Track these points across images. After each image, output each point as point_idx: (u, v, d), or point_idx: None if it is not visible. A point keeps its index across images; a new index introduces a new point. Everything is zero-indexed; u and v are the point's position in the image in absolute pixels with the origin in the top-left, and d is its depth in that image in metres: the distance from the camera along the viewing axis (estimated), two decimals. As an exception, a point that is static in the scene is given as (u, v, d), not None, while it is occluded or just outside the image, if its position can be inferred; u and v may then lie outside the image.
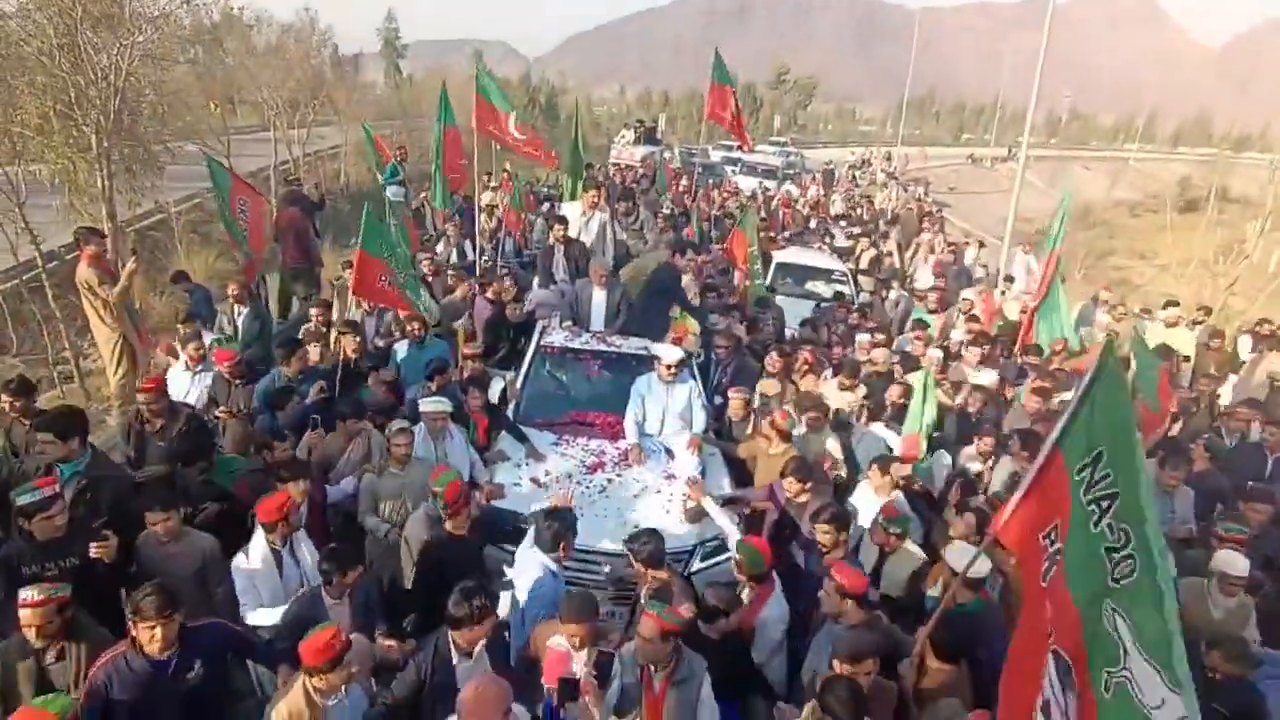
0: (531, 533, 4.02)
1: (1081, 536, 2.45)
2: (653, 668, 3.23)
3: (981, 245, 15.03)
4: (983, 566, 3.67)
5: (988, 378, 6.91)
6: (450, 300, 7.68)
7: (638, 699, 3.28)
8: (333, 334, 6.63)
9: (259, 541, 3.85)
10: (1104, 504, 2.39)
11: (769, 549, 4.02)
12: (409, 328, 6.45)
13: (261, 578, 3.82)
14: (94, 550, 3.63)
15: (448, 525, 4.07)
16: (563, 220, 8.61)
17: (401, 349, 6.51)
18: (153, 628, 3.03)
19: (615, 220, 10.36)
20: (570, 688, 3.02)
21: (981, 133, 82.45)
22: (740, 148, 19.89)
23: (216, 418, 5.27)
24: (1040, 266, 8.95)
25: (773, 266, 10.84)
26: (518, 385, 6.14)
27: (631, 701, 3.29)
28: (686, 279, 7.84)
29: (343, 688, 3.07)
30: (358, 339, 6.27)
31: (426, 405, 5.06)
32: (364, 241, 6.37)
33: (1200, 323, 9.31)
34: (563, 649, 3.29)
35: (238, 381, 5.63)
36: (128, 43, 6.63)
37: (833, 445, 5.62)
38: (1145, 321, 9.63)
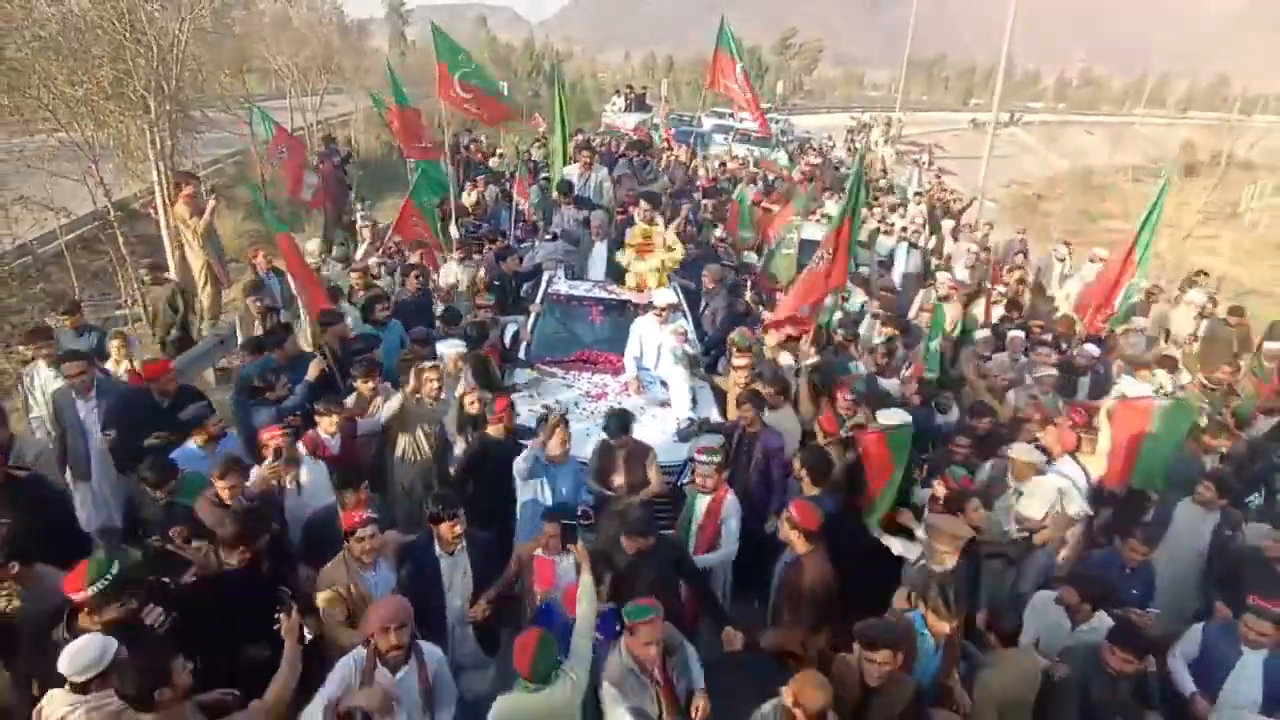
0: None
1: None
2: None
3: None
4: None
5: None
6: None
7: None
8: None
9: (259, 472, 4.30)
10: None
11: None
12: (376, 309, 6.27)
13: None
14: None
15: (491, 430, 4.85)
16: (569, 185, 8.87)
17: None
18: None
19: (632, 171, 10.84)
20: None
21: (990, 96, 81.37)
22: (732, 114, 19.88)
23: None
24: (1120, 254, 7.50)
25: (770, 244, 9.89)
26: (528, 329, 6.91)
27: None
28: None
29: (376, 561, 3.65)
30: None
31: (445, 347, 5.70)
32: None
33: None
34: (548, 557, 3.87)
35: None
36: (187, 16, 7.31)
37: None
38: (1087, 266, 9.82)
